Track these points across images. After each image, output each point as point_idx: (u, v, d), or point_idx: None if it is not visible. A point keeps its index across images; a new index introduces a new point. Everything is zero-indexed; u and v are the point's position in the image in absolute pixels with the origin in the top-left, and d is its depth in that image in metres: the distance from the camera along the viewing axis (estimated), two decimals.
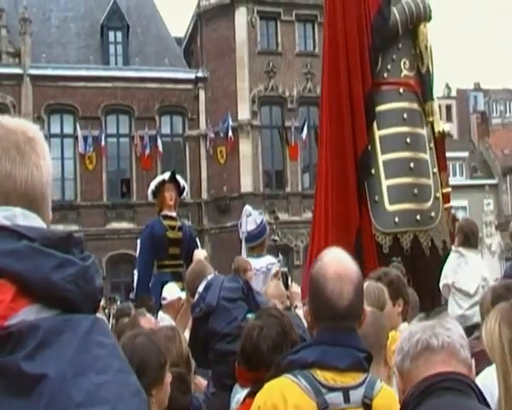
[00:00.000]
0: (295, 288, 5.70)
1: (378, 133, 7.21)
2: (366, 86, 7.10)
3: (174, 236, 7.59)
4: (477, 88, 59.24)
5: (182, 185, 7.92)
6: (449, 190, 7.73)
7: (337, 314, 2.19)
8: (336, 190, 7.08)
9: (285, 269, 6.60)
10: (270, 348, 2.79)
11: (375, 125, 7.21)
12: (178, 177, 8.01)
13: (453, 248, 6.34)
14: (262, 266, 7.24)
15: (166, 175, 7.93)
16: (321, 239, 7.19)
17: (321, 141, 7.74)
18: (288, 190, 29.52)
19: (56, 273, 1.13)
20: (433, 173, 7.36)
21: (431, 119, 7.58)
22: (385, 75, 7.33)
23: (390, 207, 7.00)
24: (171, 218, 7.73)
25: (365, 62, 7.12)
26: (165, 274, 7.48)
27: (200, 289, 4.20)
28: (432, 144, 7.50)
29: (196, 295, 4.21)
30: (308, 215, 29.03)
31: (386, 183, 7.09)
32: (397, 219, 6.92)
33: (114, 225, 28.11)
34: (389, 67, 7.36)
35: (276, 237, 23.38)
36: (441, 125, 7.76)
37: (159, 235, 7.56)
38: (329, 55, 7.48)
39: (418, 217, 7.03)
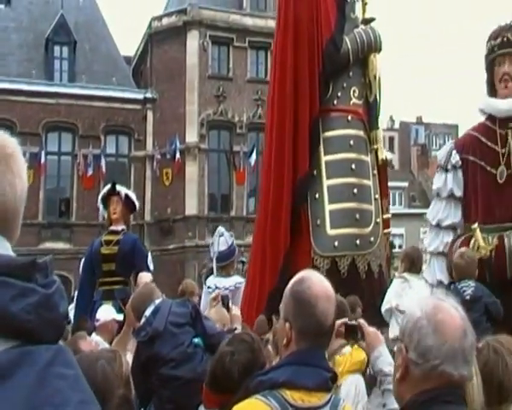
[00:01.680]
0: (235, 311, 5.69)
1: (324, 158, 7.31)
2: (313, 112, 7.17)
3: (108, 251, 7.31)
4: (419, 121, 61.30)
5: (124, 195, 7.59)
6: (389, 215, 7.92)
7: (323, 332, 2.28)
8: (272, 212, 7.17)
9: (226, 293, 6.60)
10: (241, 373, 2.80)
11: (321, 150, 7.30)
12: (119, 187, 7.75)
13: (396, 274, 6.54)
14: (230, 285, 7.56)
15: (107, 188, 7.75)
16: (257, 261, 7.29)
17: (264, 164, 7.80)
18: (233, 213, 29.50)
19: (15, 304, 1.08)
20: (375, 199, 7.53)
21: (375, 146, 7.75)
22: (335, 102, 7.45)
23: (331, 232, 7.12)
24: (112, 232, 7.48)
25: (314, 88, 7.20)
26: (98, 292, 7.24)
27: (148, 313, 4.13)
28: (375, 171, 7.68)
29: (143, 319, 4.13)
30: (250, 239, 29.17)
31: (329, 207, 7.21)
32: (336, 243, 7.05)
33: (48, 245, 27.00)
34: (339, 94, 7.48)
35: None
36: (384, 154, 7.97)
37: (94, 251, 7.36)
38: (278, 78, 7.53)
39: (358, 241, 7.18)
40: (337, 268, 6.92)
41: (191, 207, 28.62)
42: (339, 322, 3.04)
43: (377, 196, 7.54)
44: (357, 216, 7.23)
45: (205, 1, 30.64)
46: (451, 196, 6.79)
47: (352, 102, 7.56)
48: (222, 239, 8.05)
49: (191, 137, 29.27)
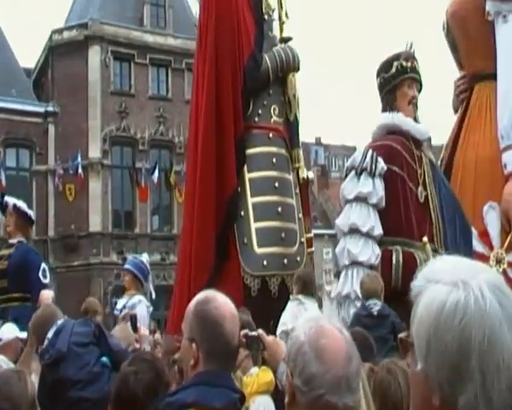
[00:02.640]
0: (143, 331, 5.69)
1: (248, 176, 7.27)
2: (238, 128, 7.18)
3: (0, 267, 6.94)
4: (318, 143, 62.12)
5: (12, 206, 7.18)
6: (311, 235, 7.92)
7: (230, 353, 2.32)
8: (197, 231, 7.07)
9: (134, 312, 6.50)
10: (145, 392, 2.79)
11: (245, 167, 7.28)
12: (8, 198, 7.35)
13: (291, 296, 6.41)
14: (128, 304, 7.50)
15: None
16: (183, 282, 7.13)
17: (187, 182, 7.68)
18: (137, 231, 29.16)
19: None
20: (299, 219, 7.49)
21: (297, 165, 7.79)
22: (255, 119, 7.44)
23: (259, 250, 7.02)
24: (8, 246, 7.13)
25: (237, 105, 7.21)
26: None
27: (50, 335, 4.02)
28: (297, 190, 7.66)
29: (46, 342, 4.03)
30: (156, 257, 29.05)
31: (254, 225, 7.11)
32: (265, 262, 6.95)
33: None
34: (260, 111, 7.49)
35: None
36: (305, 172, 8.00)
37: None
38: (200, 95, 7.50)
39: (285, 261, 7.10)
40: (268, 288, 6.84)
41: (95, 224, 28.14)
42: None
43: (300, 216, 7.51)
44: (283, 235, 7.16)
45: (106, 16, 30.32)
46: (379, 204, 6.70)
47: (272, 119, 7.56)
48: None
49: (94, 152, 28.82)
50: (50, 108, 29.18)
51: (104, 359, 3.89)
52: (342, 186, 7.16)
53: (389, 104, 7.07)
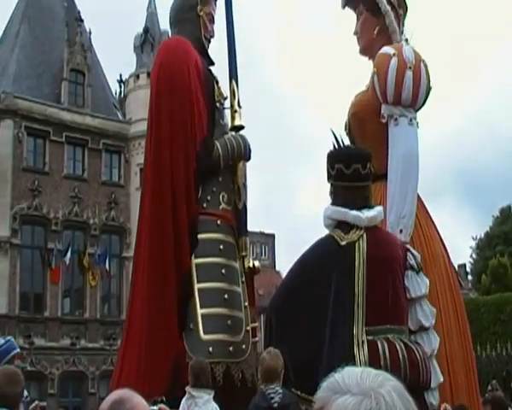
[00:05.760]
0: None
1: (195, 261, 7.22)
2: (191, 213, 7.16)
3: None
4: None
5: None
6: (256, 324, 7.88)
7: None
8: (154, 316, 6.90)
9: (44, 403, 6.18)
10: None
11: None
12: None
13: (186, 389, 6.07)
14: None
15: None
16: (132, 368, 6.91)
17: (137, 265, 7.52)
18: (47, 314, 27.99)
19: None
20: (245, 307, 7.47)
21: (244, 253, 7.80)
22: (204, 205, 7.43)
23: (204, 337, 6.93)
24: None
25: (190, 190, 7.21)
26: None
27: None
28: (243, 278, 7.65)
29: None
30: (66, 342, 27.98)
31: (201, 311, 7.04)
32: (211, 349, 6.86)
33: None
34: (209, 198, 7.49)
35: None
36: (251, 261, 8.01)
37: None
38: (153, 179, 7.44)
39: (231, 348, 7.04)
40: (213, 375, 6.62)
41: (1, 306, 26.83)
42: None
43: (247, 304, 7.49)
44: (229, 322, 7.12)
45: (20, 90, 29.82)
46: None
47: (221, 206, 7.59)
48: None
49: (2, 231, 27.79)
50: None
51: None
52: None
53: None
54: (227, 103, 8.00)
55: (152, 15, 35.35)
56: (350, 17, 8.16)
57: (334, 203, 5.95)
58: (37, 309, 28.27)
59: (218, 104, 7.80)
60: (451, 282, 7.20)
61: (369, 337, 5.46)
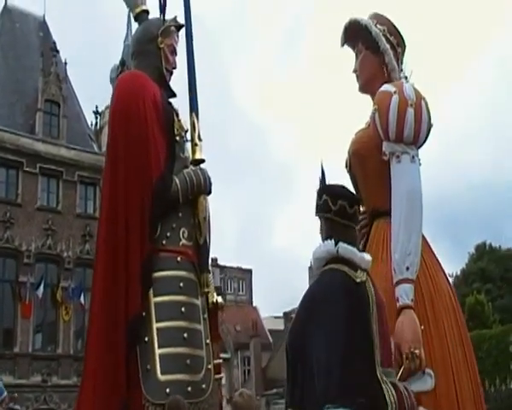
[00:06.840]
0: None
1: (154, 300, 7.03)
2: (144, 250, 7.00)
3: None
4: (214, 264, 62.47)
5: None
6: (220, 361, 7.70)
7: None
8: (106, 356, 6.73)
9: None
10: None
11: (150, 291, 7.07)
12: None
13: None
14: None
15: None
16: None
17: (93, 302, 7.35)
18: (17, 350, 27.46)
19: None
20: (206, 344, 7.26)
21: (206, 290, 7.63)
22: (163, 242, 7.23)
23: (162, 377, 6.67)
24: None
25: (144, 226, 7.05)
26: None
27: None
28: (206, 315, 7.48)
29: None
30: (37, 379, 27.43)
31: (159, 351, 6.83)
32: (168, 390, 6.60)
33: None
34: (168, 234, 7.29)
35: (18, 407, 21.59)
36: (215, 297, 7.84)
37: None
38: (107, 214, 7.30)
39: (189, 388, 6.78)
40: None
41: None
42: None
43: (208, 341, 7.30)
44: (189, 362, 6.88)
45: None
46: None
47: (181, 243, 7.39)
48: None
49: None
50: None
51: None
52: None
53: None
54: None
55: (129, 48, 35.28)
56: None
57: (331, 239, 5.84)
58: (7, 345, 27.78)
59: (178, 137, 7.64)
60: (457, 316, 7.18)
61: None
